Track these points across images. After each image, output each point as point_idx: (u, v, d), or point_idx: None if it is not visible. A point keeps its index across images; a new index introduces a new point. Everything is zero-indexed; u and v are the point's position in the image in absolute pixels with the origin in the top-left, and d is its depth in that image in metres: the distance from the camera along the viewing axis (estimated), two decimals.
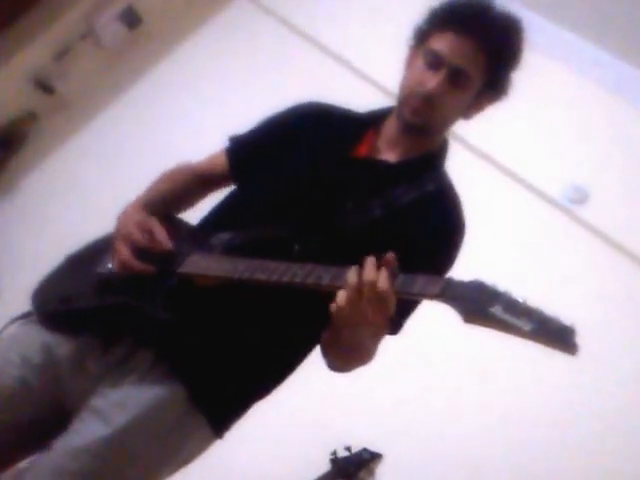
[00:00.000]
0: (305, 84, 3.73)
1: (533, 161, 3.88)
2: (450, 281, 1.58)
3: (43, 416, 2.03)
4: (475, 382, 3.52)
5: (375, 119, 2.22)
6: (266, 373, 2.10)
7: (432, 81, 2.03)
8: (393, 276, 1.66)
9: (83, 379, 2.00)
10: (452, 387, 3.54)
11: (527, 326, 1.43)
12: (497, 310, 1.45)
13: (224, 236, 2.04)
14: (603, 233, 3.63)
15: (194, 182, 2.35)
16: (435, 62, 2.05)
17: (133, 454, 1.95)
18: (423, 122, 2.09)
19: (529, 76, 3.91)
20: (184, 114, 4.57)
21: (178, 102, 4.65)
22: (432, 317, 3.45)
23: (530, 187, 3.83)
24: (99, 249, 2.19)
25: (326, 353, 2.03)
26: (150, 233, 2.02)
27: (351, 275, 1.69)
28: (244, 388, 2.08)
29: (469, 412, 3.49)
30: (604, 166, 3.78)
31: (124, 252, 2.01)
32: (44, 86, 4.66)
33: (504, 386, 3.50)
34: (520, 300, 1.47)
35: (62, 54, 4.67)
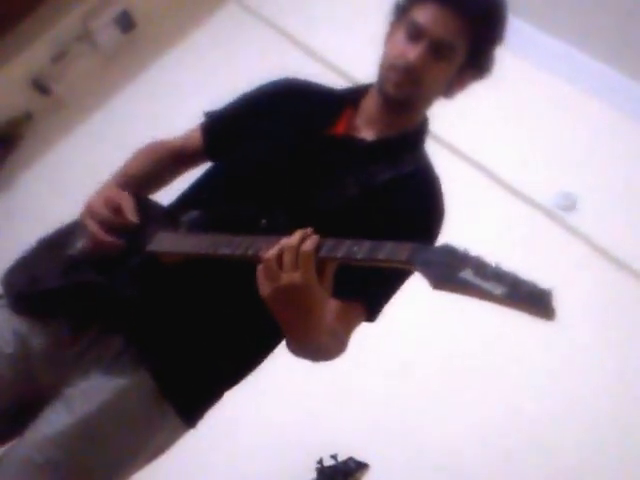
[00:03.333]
0: None
1: (522, 167, 3.92)
2: (418, 247, 1.47)
3: (17, 405, 2.01)
4: (462, 394, 3.56)
5: (353, 97, 2.18)
6: (236, 358, 2.05)
7: (413, 52, 1.98)
8: (318, 242, 1.60)
9: (57, 369, 1.98)
10: (440, 398, 3.56)
11: (498, 290, 1.33)
12: (467, 274, 1.36)
13: (192, 214, 2.00)
14: (591, 240, 3.69)
15: (168, 159, 2.31)
16: (416, 34, 2.00)
17: (99, 444, 1.92)
18: (406, 96, 2.04)
19: (519, 84, 4.07)
20: (177, 115, 4.56)
21: (171, 104, 4.66)
22: (423, 327, 3.59)
23: (519, 193, 3.88)
24: (70, 231, 2.15)
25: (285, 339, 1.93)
26: (118, 208, 1.98)
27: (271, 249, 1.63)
28: (214, 375, 2.03)
29: (456, 423, 3.51)
30: (593, 173, 3.83)
31: (92, 226, 1.98)
32: (41, 87, 4.69)
33: (492, 396, 3.54)
34: (492, 264, 1.37)
35: (59, 56, 4.71)
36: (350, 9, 4.81)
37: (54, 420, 1.92)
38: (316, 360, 1.94)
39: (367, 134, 2.11)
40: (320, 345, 1.86)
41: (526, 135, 4.02)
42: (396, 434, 3.48)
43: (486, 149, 4.02)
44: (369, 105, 2.13)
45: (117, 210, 1.98)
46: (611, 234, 3.70)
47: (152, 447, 2.01)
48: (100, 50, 4.90)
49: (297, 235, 1.62)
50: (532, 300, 1.32)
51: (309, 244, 1.59)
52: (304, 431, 3.45)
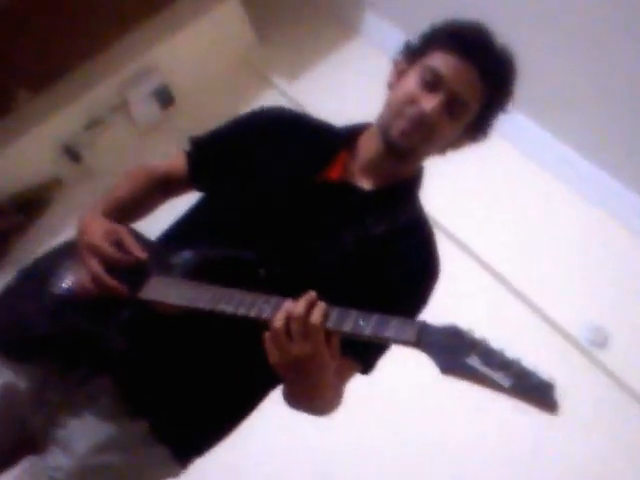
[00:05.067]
0: None
1: (556, 298, 3.85)
2: (425, 326, 1.48)
3: (8, 450, 1.99)
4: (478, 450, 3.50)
5: (349, 138, 2.10)
6: (230, 403, 2.02)
7: (429, 102, 1.90)
8: (325, 312, 1.59)
9: (45, 410, 1.95)
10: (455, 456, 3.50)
11: (506, 381, 1.35)
12: (475, 361, 1.38)
13: (185, 255, 1.92)
14: (620, 379, 3.59)
15: (153, 186, 2.23)
16: (434, 82, 1.92)
17: None
18: (412, 146, 1.96)
19: (554, 208, 4.03)
20: None
21: None
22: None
23: (551, 323, 3.80)
24: (52, 265, 2.08)
25: (282, 395, 1.91)
26: (119, 243, 1.91)
27: (277, 316, 1.61)
28: (208, 419, 2.00)
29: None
30: (628, 311, 3.75)
31: (95, 267, 1.88)
32: (72, 154, 4.66)
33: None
34: (498, 350, 1.39)
35: (93, 124, 4.68)
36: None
37: (51, 462, 1.89)
38: (313, 415, 1.93)
39: (364, 182, 2.04)
40: (323, 405, 1.88)
41: (564, 266, 3.97)
42: None
43: (524, 276, 3.94)
44: (366, 149, 2.05)
45: (118, 245, 1.90)
46: None
47: None
48: (135, 122, 4.86)
49: (303, 303, 1.59)
50: (538, 393, 1.35)
51: (317, 315, 1.57)
52: None
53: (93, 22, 4.52)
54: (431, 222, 2.12)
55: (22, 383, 1.97)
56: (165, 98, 4.89)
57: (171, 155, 4.60)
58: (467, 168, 3.22)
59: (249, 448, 3.09)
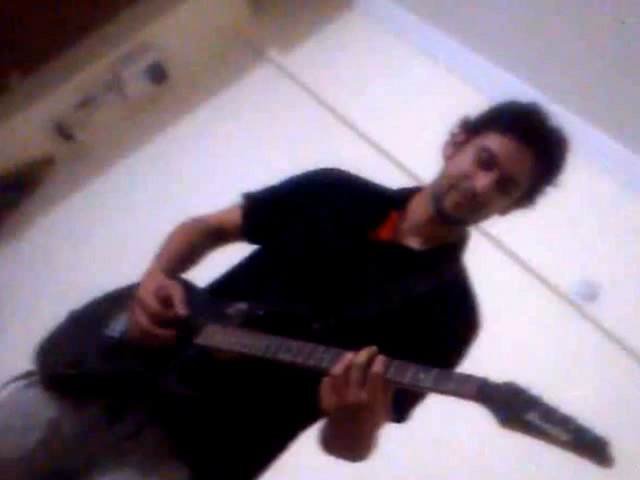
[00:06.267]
0: (322, 153, 3.73)
1: (546, 253, 3.83)
2: (485, 382, 1.54)
3: None
4: None
5: (400, 200, 2.18)
6: (272, 453, 2.07)
7: (482, 180, 2.00)
8: (386, 363, 1.65)
9: (86, 452, 1.96)
10: None
11: (564, 436, 1.40)
12: (533, 417, 1.43)
13: (240, 306, 1.98)
14: (610, 331, 3.57)
15: (207, 238, 2.31)
16: (488, 162, 2.02)
17: None
18: (461, 217, 2.07)
19: None
20: (199, 172, 4.56)
21: (195, 160, 4.65)
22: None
23: (540, 278, 3.77)
24: (107, 308, 2.14)
25: (320, 440, 1.97)
26: (167, 299, 1.97)
27: (338, 365, 1.67)
28: (251, 468, 2.04)
29: None
30: (617, 264, 3.74)
31: (143, 321, 1.94)
32: (64, 132, 4.67)
33: None
34: (555, 407, 1.44)
35: (85, 102, 4.68)
36: (385, 80, 4.79)
37: None
38: (348, 460, 1.97)
39: (413, 242, 2.12)
40: (362, 452, 1.92)
41: (553, 221, 3.79)
42: None
43: (511, 232, 3.80)
44: (417, 211, 2.15)
45: (167, 300, 1.97)
46: (631, 327, 3.56)
47: None
48: (128, 100, 4.86)
49: (364, 354, 1.66)
50: (594, 449, 1.39)
51: (379, 366, 1.64)
52: None
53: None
54: None
55: (68, 423, 1.99)
56: (158, 74, 4.87)
57: (165, 136, 4.68)
58: None
59: None
